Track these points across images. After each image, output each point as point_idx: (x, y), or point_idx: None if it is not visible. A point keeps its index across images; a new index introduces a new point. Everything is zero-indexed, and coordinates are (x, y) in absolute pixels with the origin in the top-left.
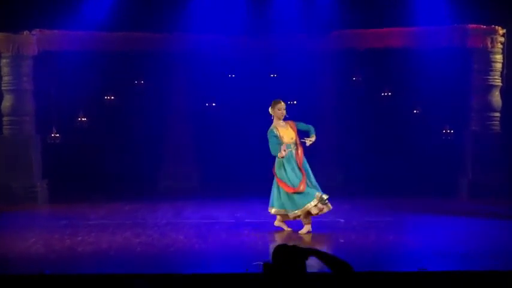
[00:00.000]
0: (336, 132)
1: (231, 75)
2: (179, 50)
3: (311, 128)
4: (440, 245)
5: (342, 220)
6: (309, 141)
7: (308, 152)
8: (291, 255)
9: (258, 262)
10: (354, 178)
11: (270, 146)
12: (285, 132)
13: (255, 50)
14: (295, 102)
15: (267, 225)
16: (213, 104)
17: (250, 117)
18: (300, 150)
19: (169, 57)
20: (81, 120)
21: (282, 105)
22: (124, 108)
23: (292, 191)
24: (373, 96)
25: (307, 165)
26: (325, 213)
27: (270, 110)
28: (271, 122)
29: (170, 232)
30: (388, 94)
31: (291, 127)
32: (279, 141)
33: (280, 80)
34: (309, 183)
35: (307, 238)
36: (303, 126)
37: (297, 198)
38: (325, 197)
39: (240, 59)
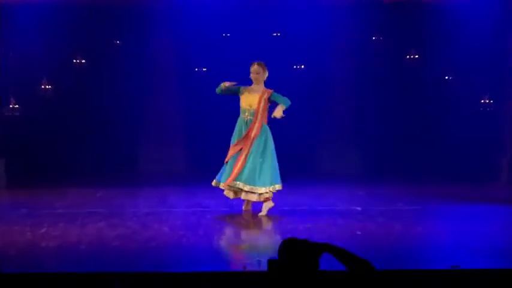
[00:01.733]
0: (351, 105)
1: (225, 34)
2: (163, 3)
3: (285, 100)
4: (475, 238)
5: (359, 208)
6: (276, 113)
7: (316, 131)
8: (301, 251)
9: (258, 259)
10: (372, 159)
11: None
12: (248, 96)
13: (254, 2)
14: (302, 66)
15: (269, 213)
16: (204, 69)
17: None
18: (257, 126)
19: (152, 12)
20: (44, 88)
21: (254, 68)
22: (97, 74)
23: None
24: (396, 59)
25: (262, 148)
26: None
27: (251, 72)
28: (271, 87)
29: (152, 223)
30: (414, 57)
31: (261, 96)
32: (231, 89)
33: (284, 40)
34: (238, 162)
35: (318, 231)
36: (277, 97)
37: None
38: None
39: (236, 14)
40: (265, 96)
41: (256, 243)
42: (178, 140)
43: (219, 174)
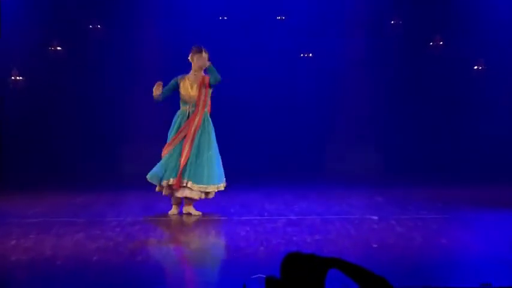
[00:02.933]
0: (365, 99)
1: (223, 18)
2: None
3: (215, 76)
4: (509, 251)
5: (375, 217)
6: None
7: (326, 128)
8: (306, 266)
9: (259, 275)
10: (391, 160)
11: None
12: (187, 87)
13: None
14: (310, 54)
15: (272, 223)
16: None
17: (248, 75)
18: (198, 118)
19: None
20: (15, 79)
21: (204, 56)
22: (75, 63)
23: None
24: (419, 46)
25: (205, 143)
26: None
27: (189, 57)
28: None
29: (139, 233)
30: (439, 43)
31: (200, 83)
32: (169, 88)
33: (289, 25)
34: (178, 159)
35: (328, 244)
36: (211, 70)
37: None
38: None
39: None
40: (206, 82)
41: (258, 257)
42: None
43: (161, 173)
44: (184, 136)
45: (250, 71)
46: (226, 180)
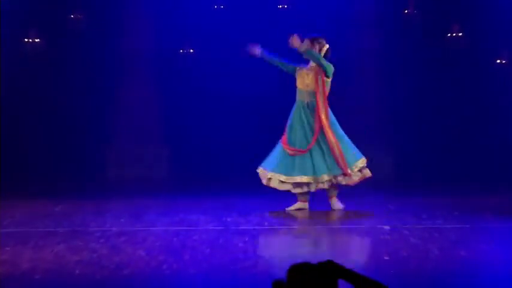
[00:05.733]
0: (377, 97)
1: (219, 7)
2: None
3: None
4: None
5: (387, 227)
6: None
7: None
8: (313, 278)
9: None
10: (405, 164)
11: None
12: (304, 76)
13: None
14: None
15: (272, 233)
16: (191, 51)
17: (246, 71)
18: (325, 113)
19: None
20: None
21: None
22: (54, 55)
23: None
24: (435, 38)
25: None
26: (361, 218)
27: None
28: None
29: (125, 245)
30: (458, 35)
31: (315, 74)
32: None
33: (292, 15)
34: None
35: (336, 255)
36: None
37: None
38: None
39: None
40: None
41: (257, 270)
42: (157, 140)
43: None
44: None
45: (249, 69)
46: (225, 185)
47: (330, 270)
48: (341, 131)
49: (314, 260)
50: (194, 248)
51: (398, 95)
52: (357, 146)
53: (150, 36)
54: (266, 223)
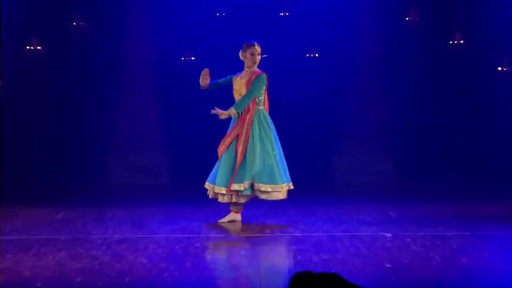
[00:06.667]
0: (377, 104)
1: (220, 14)
2: None
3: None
4: None
5: (389, 235)
6: (215, 111)
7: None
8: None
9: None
10: (405, 170)
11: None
12: (238, 83)
13: None
14: (316, 55)
15: (274, 241)
16: (192, 58)
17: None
18: (249, 116)
19: None
20: None
21: (257, 49)
22: (55, 63)
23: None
24: (437, 45)
25: (260, 143)
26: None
27: (240, 54)
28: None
29: (126, 253)
30: (459, 42)
31: (247, 80)
32: (223, 81)
33: (294, 22)
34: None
35: (336, 263)
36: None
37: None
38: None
39: None
40: (253, 78)
41: (260, 280)
42: (159, 147)
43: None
44: (237, 135)
45: None
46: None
47: (334, 282)
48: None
49: (316, 268)
50: (196, 255)
51: (399, 102)
52: (358, 153)
53: (152, 43)
54: (267, 231)
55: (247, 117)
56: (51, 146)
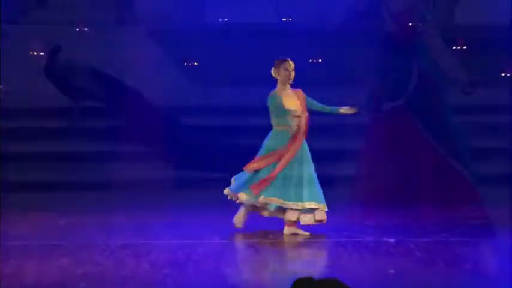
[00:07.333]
0: (382, 108)
1: (223, 20)
2: None
3: (331, 109)
4: None
5: (392, 240)
6: (344, 110)
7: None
8: None
9: None
10: (409, 177)
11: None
12: (291, 103)
13: None
14: (320, 60)
15: (277, 246)
16: (195, 64)
17: (250, 84)
18: (302, 135)
19: None
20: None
21: (291, 64)
22: (56, 65)
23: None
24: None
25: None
26: (367, 231)
27: (272, 71)
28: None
29: (129, 258)
30: (462, 49)
31: (299, 99)
32: (285, 111)
33: (297, 27)
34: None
35: (340, 269)
36: (317, 106)
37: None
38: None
39: None
40: (302, 98)
41: (261, 283)
42: (161, 151)
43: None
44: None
45: (254, 80)
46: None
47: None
48: None
49: (317, 274)
50: (199, 261)
51: (401, 108)
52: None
53: (155, 47)
54: (271, 236)
55: (300, 136)
56: (52, 150)
